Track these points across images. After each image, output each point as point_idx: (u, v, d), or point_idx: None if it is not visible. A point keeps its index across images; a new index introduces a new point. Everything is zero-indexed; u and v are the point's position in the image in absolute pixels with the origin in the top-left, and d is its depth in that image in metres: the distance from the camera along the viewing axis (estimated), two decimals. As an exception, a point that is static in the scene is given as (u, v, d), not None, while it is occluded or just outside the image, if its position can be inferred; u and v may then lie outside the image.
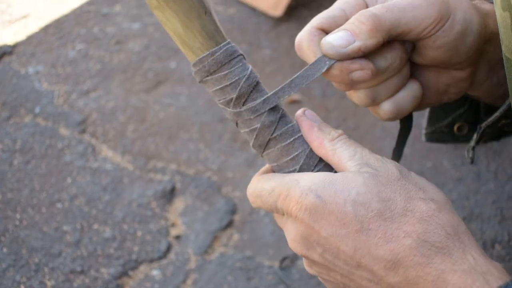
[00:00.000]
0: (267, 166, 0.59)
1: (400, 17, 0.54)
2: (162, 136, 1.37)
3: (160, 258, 1.11)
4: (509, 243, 1.12)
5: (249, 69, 0.53)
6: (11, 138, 1.36)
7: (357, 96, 0.60)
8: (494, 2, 0.53)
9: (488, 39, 0.59)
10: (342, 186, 0.49)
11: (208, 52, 0.52)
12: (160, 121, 1.41)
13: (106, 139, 1.37)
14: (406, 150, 1.29)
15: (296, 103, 1.47)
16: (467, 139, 0.74)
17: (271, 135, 0.54)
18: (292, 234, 0.53)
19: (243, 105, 0.53)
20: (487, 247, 1.12)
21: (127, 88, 1.51)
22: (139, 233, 1.15)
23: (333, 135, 0.54)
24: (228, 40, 0.53)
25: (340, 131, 0.55)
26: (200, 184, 1.26)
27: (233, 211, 1.20)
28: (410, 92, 0.60)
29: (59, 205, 1.20)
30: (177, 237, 1.15)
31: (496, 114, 0.63)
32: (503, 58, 0.54)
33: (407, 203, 0.49)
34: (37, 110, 1.44)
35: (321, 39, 0.56)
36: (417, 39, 0.56)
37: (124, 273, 1.09)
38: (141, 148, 1.34)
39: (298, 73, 0.54)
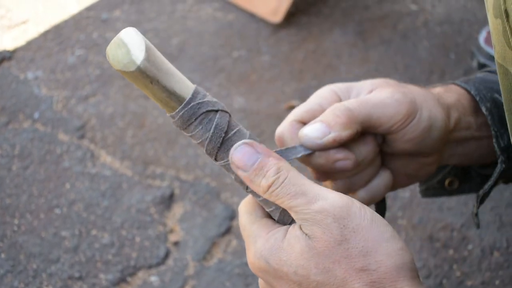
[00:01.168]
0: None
1: (372, 112, 0.59)
2: (161, 141, 1.37)
3: (158, 264, 1.11)
4: (507, 250, 1.12)
5: (211, 130, 0.53)
6: (9, 143, 1.36)
7: (334, 186, 0.63)
8: (486, 9, 0.54)
9: (453, 128, 0.64)
10: (285, 255, 0.51)
11: (169, 115, 0.53)
12: (159, 127, 1.41)
13: (105, 144, 1.37)
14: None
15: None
16: (460, 191, 0.77)
17: (247, 188, 0.56)
18: (260, 280, 0.57)
19: (216, 160, 0.55)
20: (485, 254, 1.12)
21: (126, 94, 1.51)
22: (137, 239, 1.15)
23: (263, 187, 0.52)
24: (187, 99, 0.52)
25: (270, 179, 0.51)
26: (198, 190, 1.26)
27: (231, 217, 1.20)
28: (382, 181, 0.64)
29: (57, 210, 1.20)
30: (176, 243, 1.15)
31: (490, 183, 0.66)
32: (496, 64, 0.55)
33: (347, 274, 0.48)
34: (36, 115, 1.44)
35: None
36: (387, 133, 0.61)
37: (123, 280, 1.08)
38: (140, 154, 1.34)
39: (276, 150, 0.57)
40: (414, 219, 1.18)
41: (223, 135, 0.53)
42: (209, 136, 0.53)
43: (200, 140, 0.53)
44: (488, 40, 1.45)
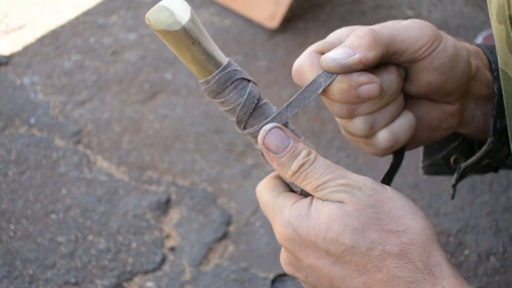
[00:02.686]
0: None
1: (396, 34, 0.56)
2: (157, 147, 1.37)
3: (155, 269, 1.11)
4: (504, 255, 1.13)
5: (245, 96, 0.55)
6: (6, 149, 1.36)
7: (355, 124, 0.59)
8: (490, 15, 0.54)
9: (472, 76, 0.61)
10: (313, 221, 0.51)
11: (203, 80, 0.55)
12: (156, 132, 1.41)
13: (101, 150, 1.37)
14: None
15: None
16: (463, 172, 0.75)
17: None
18: (283, 256, 0.57)
19: (244, 128, 0.56)
20: (482, 259, 1.12)
21: (122, 99, 1.51)
22: (134, 245, 1.15)
23: (293, 169, 0.53)
24: (224, 64, 0.54)
25: (301, 160, 0.53)
26: (195, 195, 1.26)
27: (228, 222, 1.20)
28: (405, 121, 0.61)
29: (53, 216, 1.20)
30: (172, 249, 1.15)
31: (474, 158, 0.66)
32: (499, 70, 0.55)
33: (377, 235, 0.49)
34: (32, 120, 1.44)
35: None
36: (413, 59, 0.57)
37: (119, 285, 1.08)
38: (137, 159, 1.34)
39: (296, 95, 0.56)
40: (410, 224, 1.18)
41: (256, 101, 0.55)
42: (243, 101, 0.54)
43: (233, 105, 0.55)
44: (484, 46, 1.45)
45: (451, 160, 0.74)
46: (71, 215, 1.20)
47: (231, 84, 0.54)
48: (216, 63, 0.54)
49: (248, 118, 0.55)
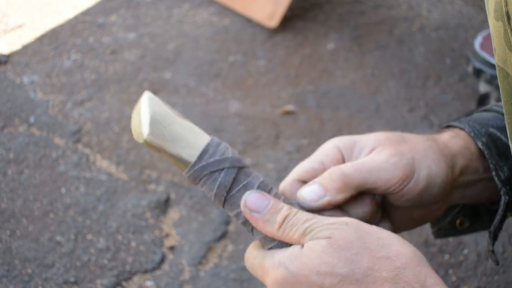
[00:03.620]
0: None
1: (367, 177, 0.61)
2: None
3: (154, 269, 1.11)
4: (503, 255, 1.13)
5: (214, 190, 0.58)
6: (5, 148, 1.36)
7: None
8: (487, 12, 0.54)
9: (458, 175, 0.65)
10: (306, 258, 0.53)
11: (184, 172, 0.60)
12: (155, 132, 1.41)
13: (100, 149, 1.37)
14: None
15: (290, 115, 1.47)
16: (471, 230, 0.77)
17: (251, 229, 0.60)
18: None
19: (223, 207, 0.61)
20: (481, 258, 1.12)
21: (122, 99, 1.51)
22: (133, 244, 1.15)
23: (279, 222, 0.56)
24: (191, 163, 0.59)
25: (285, 212, 0.56)
26: (194, 195, 1.26)
27: (227, 222, 1.20)
28: None
29: (52, 215, 1.20)
30: (171, 248, 1.15)
31: (498, 217, 0.67)
32: (496, 67, 0.55)
33: (371, 263, 0.50)
34: (31, 119, 1.44)
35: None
36: (384, 194, 0.62)
37: (118, 284, 1.08)
38: (136, 158, 1.34)
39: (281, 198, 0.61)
40: (410, 224, 1.18)
41: (225, 194, 0.59)
42: (213, 194, 0.59)
43: (209, 195, 0.60)
44: (483, 46, 1.45)
45: (457, 223, 0.76)
46: (71, 214, 1.20)
47: (200, 180, 0.59)
48: (185, 163, 0.58)
49: (223, 206, 0.60)
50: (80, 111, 1.47)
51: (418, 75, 1.60)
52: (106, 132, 1.41)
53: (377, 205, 0.64)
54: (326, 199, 0.60)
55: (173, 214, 1.22)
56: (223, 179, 0.59)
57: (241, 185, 0.59)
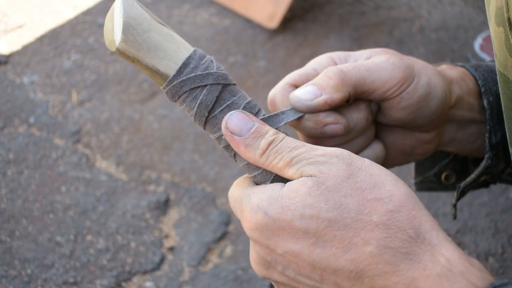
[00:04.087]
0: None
1: (366, 75, 0.56)
2: (156, 147, 1.37)
3: (153, 269, 1.11)
4: (502, 256, 1.13)
5: (194, 109, 0.52)
6: (5, 148, 1.35)
7: None
8: (488, 17, 0.54)
9: (453, 104, 0.61)
10: (288, 201, 0.47)
11: (161, 87, 0.54)
12: (155, 132, 1.41)
13: (100, 149, 1.36)
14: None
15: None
16: (455, 187, 0.74)
17: (235, 156, 0.54)
18: (251, 255, 0.52)
19: (204, 129, 0.55)
20: (481, 260, 1.12)
21: (122, 99, 1.51)
22: (132, 245, 1.15)
23: (262, 147, 0.50)
24: (170, 77, 0.52)
25: (270, 138, 0.50)
26: (194, 195, 1.26)
27: (227, 223, 1.20)
28: (372, 152, 0.61)
29: (52, 215, 1.20)
30: (171, 249, 1.15)
31: (472, 176, 0.65)
32: (497, 72, 0.55)
33: (361, 206, 0.45)
34: (31, 120, 1.44)
35: None
36: (382, 99, 0.58)
37: (118, 285, 1.08)
38: (136, 159, 1.34)
39: (265, 116, 0.55)
40: (409, 225, 1.18)
41: (206, 114, 0.52)
42: (193, 114, 0.52)
43: (189, 114, 0.53)
44: (483, 47, 1.45)
45: (442, 176, 0.73)
46: (70, 214, 1.20)
47: (178, 98, 0.53)
48: (162, 76, 0.52)
49: (204, 127, 0.54)
50: (80, 111, 1.47)
51: (418, 76, 1.60)
52: (106, 133, 1.41)
53: (372, 114, 0.60)
54: (323, 97, 0.55)
55: (173, 214, 1.22)
56: (205, 97, 0.52)
57: (224, 105, 0.52)
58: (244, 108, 0.53)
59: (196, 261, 1.12)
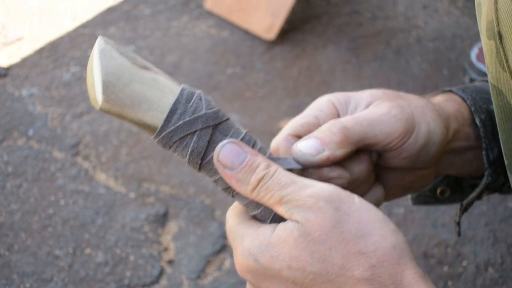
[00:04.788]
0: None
1: (368, 130, 0.56)
2: (155, 159, 1.37)
3: (152, 283, 1.11)
4: (502, 266, 1.13)
5: (187, 157, 0.51)
6: (3, 161, 1.36)
7: None
8: (479, 30, 0.54)
9: (451, 138, 0.62)
10: (277, 251, 0.48)
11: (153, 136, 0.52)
12: (153, 144, 1.41)
13: (99, 162, 1.37)
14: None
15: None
16: (451, 200, 0.75)
17: (233, 193, 0.54)
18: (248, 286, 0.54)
19: (199, 170, 0.53)
20: (480, 270, 1.12)
21: (120, 111, 1.51)
22: (131, 258, 1.15)
23: (252, 184, 0.50)
24: (158, 129, 0.50)
25: (260, 174, 0.50)
26: (193, 208, 1.26)
27: (226, 235, 1.20)
28: (373, 197, 0.62)
29: (51, 229, 1.20)
30: (170, 262, 1.15)
31: (474, 194, 0.66)
32: (489, 85, 0.55)
33: (345, 260, 0.47)
34: (30, 133, 1.44)
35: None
36: (383, 150, 0.59)
37: (116, 298, 1.08)
38: (134, 172, 1.34)
39: (270, 156, 0.54)
40: (408, 236, 1.18)
41: (199, 161, 0.51)
42: (187, 161, 0.52)
43: (183, 161, 0.52)
44: (479, 57, 1.46)
45: (437, 192, 0.74)
46: (69, 228, 1.20)
47: (170, 148, 0.51)
48: (150, 128, 0.50)
49: (199, 172, 0.53)
50: (79, 124, 1.48)
51: (415, 86, 1.60)
52: (105, 145, 1.41)
53: (373, 163, 0.61)
54: (326, 154, 0.55)
55: (172, 227, 1.22)
56: (196, 144, 0.50)
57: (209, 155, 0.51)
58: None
59: (195, 274, 1.12)
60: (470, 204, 0.68)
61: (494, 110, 0.57)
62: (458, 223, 0.71)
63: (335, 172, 0.57)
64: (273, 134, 1.45)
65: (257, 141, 0.53)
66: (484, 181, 0.65)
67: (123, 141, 1.42)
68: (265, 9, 1.74)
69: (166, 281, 1.11)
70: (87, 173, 1.34)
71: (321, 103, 0.61)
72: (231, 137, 0.51)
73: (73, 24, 1.83)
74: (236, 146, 0.51)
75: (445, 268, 1.13)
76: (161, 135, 0.50)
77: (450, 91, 0.68)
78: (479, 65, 1.43)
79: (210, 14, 1.84)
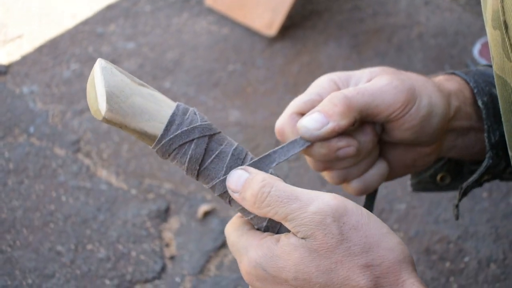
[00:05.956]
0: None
1: (370, 100, 0.58)
2: (156, 155, 1.37)
3: (154, 278, 1.11)
4: (504, 262, 1.12)
5: (185, 164, 0.54)
6: (5, 158, 1.36)
7: (330, 176, 0.63)
8: (484, 20, 0.54)
9: (452, 116, 0.63)
10: (283, 262, 0.50)
11: (151, 146, 0.55)
12: (155, 141, 1.41)
13: (100, 159, 1.37)
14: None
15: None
16: (450, 187, 0.76)
17: (228, 198, 0.56)
18: None
19: (197, 179, 0.56)
20: (482, 266, 1.12)
21: (121, 108, 1.51)
22: (133, 253, 1.15)
23: (249, 199, 0.51)
24: (158, 137, 0.53)
25: (255, 188, 0.51)
26: (194, 204, 1.26)
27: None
28: (378, 171, 0.64)
29: (52, 225, 1.20)
30: (172, 257, 1.15)
31: (475, 176, 0.66)
32: (494, 76, 0.55)
33: (350, 272, 0.48)
34: (31, 130, 1.44)
35: None
36: (385, 121, 0.60)
37: (118, 294, 1.08)
38: (136, 168, 1.34)
39: (275, 149, 0.57)
40: (410, 232, 1.18)
41: (198, 167, 0.54)
42: (185, 168, 0.54)
43: (181, 169, 0.55)
44: (482, 53, 1.46)
45: (438, 178, 0.74)
46: (71, 224, 1.20)
47: (169, 155, 0.54)
48: (150, 138, 0.53)
49: (198, 180, 0.55)
50: (79, 121, 1.47)
51: (417, 82, 1.60)
52: (106, 142, 1.41)
53: (377, 136, 0.62)
54: (330, 125, 0.56)
55: (173, 223, 1.22)
56: (194, 151, 0.53)
57: (213, 156, 0.54)
58: (232, 155, 0.54)
59: (196, 270, 1.12)
60: (470, 187, 0.68)
61: (499, 101, 0.56)
62: (457, 206, 0.71)
63: (343, 141, 0.58)
64: (274, 130, 1.45)
65: (248, 152, 0.56)
66: (485, 163, 0.65)
67: (124, 138, 1.42)
68: (265, 5, 1.73)
69: (168, 277, 1.11)
70: (89, 169, 1.34)
71: (323, 82, 0.62)
72: (225, 146, 0.55)
73: (73, 22, 1.83)
74: (241, 170, 0.53)
75: (447, 264, 1.12)
76: (161, 143, 0.53)
77: (453, 73, 0.68)
78: (482, 61, 1.43)
79: (211, 11, 1.84)
